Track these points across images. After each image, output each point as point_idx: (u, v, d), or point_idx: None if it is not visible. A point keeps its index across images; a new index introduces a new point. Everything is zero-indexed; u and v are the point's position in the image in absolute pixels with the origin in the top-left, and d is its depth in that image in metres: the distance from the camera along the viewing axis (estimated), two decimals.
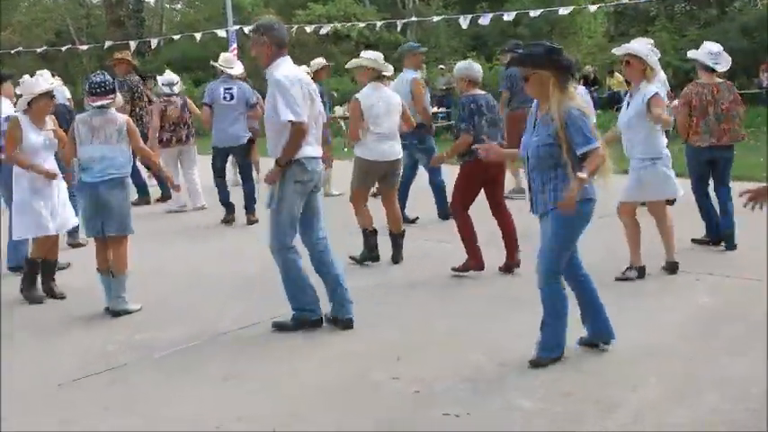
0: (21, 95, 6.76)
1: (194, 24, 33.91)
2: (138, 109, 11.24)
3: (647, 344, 5.08)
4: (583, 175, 4.48)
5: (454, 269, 6.94)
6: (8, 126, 6.66)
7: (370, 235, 7.62)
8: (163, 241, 8.87)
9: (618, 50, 6.76)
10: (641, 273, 6.61)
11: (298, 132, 5.45)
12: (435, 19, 22.31)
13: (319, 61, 11.31)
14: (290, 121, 5.41)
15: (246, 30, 5.95)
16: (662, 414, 4.16)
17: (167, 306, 6.49)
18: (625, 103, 6.76)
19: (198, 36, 20.53)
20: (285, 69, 5.58)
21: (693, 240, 7.65)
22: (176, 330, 5.84)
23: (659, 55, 6.87)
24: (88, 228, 6.40)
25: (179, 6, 40.96)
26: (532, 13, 19.17)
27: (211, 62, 10.67)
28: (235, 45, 17.17)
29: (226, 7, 19.17)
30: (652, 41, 7.57)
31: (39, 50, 21.85)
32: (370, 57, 7.81)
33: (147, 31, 32.25)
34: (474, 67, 7.15)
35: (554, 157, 4.63)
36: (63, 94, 16.88)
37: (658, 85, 6.88)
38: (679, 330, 5.37)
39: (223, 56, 10.67)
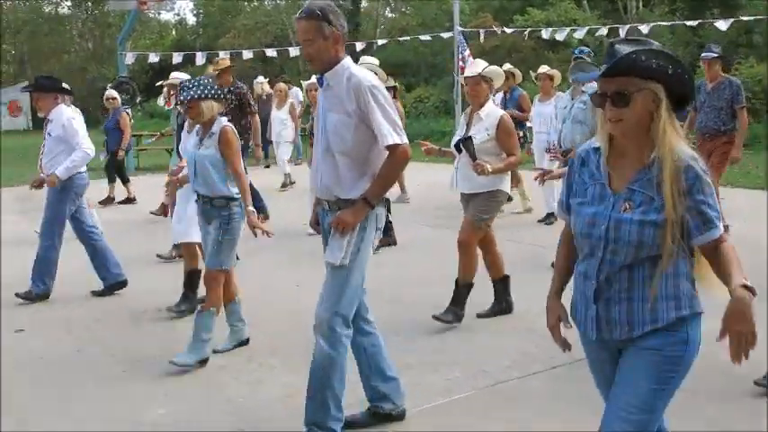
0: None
1: (406, 30, 34.15)
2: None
3: None
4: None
5: None
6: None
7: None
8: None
9: None
10: None
11: (403, 158, 4.01)
12: (662, 24, 20.95)
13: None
14: (395, 144, 3.95)
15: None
16: None
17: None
18: None
19: (426, 38, 20.28)
20: (367, 73, 4.08)
21: None
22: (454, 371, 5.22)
23: None
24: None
25: (388, 13, 41.41)
26: None
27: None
28: (468, 51, 16.56)
29: (453, 11, 18.78)
30: None
31: (268, 52, 22.31)
32: None
33: (362, 36, 32.72)
34: None
35: (656, 245, 2.62)
36: (297, 95, 17.19)
37: None
38: None
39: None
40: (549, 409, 4.52)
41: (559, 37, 19.52)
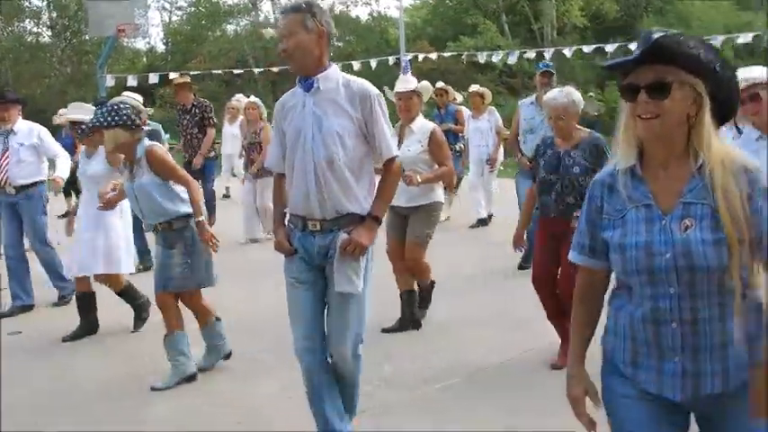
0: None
1: (353, 55, 34.21)
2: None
3: None
4: None
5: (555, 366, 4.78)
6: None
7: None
8: None
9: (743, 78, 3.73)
10: None
11: (399, 171, 3.59)
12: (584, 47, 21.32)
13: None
14: (395, 156, 3.49)
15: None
16: None
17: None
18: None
19: (374, 64, 20.27)
20: (364, 81, 3.45)
21: None
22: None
23: None
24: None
25: (335, 42, 41.34)
26: None
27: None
28: (409, 74, 16.62)
29: (399, 38, 18.95)
30: None
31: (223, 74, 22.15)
32: None
33: None
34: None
35: (725, 269, 1.93)
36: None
37: None
38: None
39: None
40: None
41: (495, 59, 19.97)
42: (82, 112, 6.00)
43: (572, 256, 2.23)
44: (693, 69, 1.95)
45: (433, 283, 5.93)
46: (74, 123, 6.01)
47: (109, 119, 4.49)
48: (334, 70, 3.36)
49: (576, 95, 4.75)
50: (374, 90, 3.37)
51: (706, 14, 27.12)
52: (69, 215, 6.34)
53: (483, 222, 10.36)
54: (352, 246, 3.28)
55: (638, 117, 1.97)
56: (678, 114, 1.95)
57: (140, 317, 6.05)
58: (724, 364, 1.94)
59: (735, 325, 1.92)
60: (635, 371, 2.04)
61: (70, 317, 6.09)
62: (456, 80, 24.77)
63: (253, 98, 9.90)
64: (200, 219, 4.51)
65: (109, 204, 5.18)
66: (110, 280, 5.91)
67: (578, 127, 4.79)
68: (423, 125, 5.70)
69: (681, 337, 1.95)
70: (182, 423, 4.25)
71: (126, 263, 5.87)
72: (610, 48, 17.81)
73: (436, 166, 5.63)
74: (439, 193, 5.75)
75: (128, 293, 6.03)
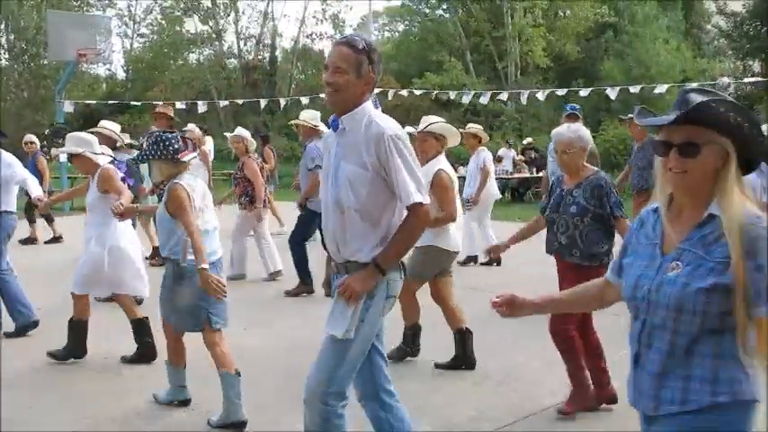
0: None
1: (317, 88, 33.73)
2: None
3: None
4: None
5: (561, 411, 4.51)
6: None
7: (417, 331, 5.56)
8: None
9: None
10: None
11: (426, 219, 3.15)
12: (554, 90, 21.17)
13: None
14: (419, 203, 3.08)
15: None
16: None
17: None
18: None
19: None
20: (390, 121, 3.14)
21: None
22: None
23: None
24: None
25: (295, 73, 41.05)
26: (632, 89, 17.90)
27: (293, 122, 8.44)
28: (379, 110, 16.00)
29: None
30: None
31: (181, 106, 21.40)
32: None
33: (278, 93, 32.06)
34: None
35: (721, 313, 2.00)
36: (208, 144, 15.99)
37: None
38: None
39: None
40: None
41: (465, 99, 19.61)
42: (83, 144, 5.60)
43: (607, 273, 2.44)
44: (724, 131, 2.04)
45: (414, 327, 5.51)
46: (73, 155, 5.63)
47: (153, 152, 4.38)
48: (363, 109, 3.11)
49: (584, 132, 4.50)
50: (391, 131, 3.05)
51: (665, 59, 27.25)
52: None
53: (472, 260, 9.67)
54: (343, 289, 3.08)
55: (668, 169, 2.10)
56: (705, 171, 2.06)
57: (140, 356, 5.58)
58: (657, 392, 2.10)
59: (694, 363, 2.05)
60: (629, 382, 2.24)
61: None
62: (421, 117, 24.56)
63: (239, 130, 9.05)
64: (202, 266, 4.12)
65: (125, 215, 4.97)
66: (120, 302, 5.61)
67: (587, 165, 4.51)
68: (430, 167, 5.18)
69: (636, 356, 2.17)
70: None
71: (131, 285, 5.54)
72: (584, 92, 17.64)
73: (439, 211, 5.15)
74: (439, 238, 5.19)
75: (140, 327, 5.60)
